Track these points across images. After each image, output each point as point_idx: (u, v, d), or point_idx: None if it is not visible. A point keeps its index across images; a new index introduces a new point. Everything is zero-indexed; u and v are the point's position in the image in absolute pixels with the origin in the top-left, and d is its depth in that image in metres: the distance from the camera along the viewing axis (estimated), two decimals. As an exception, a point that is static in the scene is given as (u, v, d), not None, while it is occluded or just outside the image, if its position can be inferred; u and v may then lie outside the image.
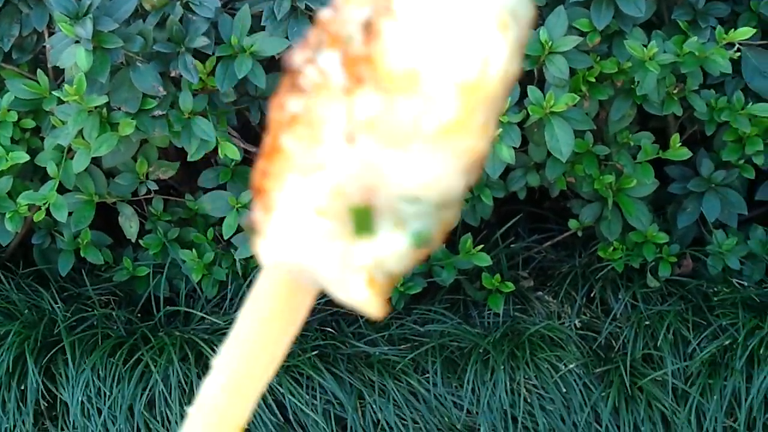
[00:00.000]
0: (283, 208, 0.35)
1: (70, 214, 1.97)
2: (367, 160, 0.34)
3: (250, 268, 2.15)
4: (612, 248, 2.11)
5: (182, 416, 1.93)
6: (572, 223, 2.16)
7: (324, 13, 0.35)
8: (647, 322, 2.02)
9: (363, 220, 0.35)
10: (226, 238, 2.00)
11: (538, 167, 2.11)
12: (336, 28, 0.34)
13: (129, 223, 2.09)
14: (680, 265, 2.12)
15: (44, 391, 1.97)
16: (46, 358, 1.98)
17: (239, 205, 2.00)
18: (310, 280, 0.36)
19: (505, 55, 0.33)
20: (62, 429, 1.96)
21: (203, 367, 1.97)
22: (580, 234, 2.18)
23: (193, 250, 2.10)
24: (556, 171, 2.04)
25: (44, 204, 1.93)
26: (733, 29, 1.80)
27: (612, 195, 2.05)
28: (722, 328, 1.96)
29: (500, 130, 1.83)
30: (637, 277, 2.12)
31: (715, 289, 2.04)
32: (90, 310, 2.09)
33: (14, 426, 1.95)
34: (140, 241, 2.15)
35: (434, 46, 0.33)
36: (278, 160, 0.34)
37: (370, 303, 0.36)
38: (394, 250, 0.35)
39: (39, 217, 1.94)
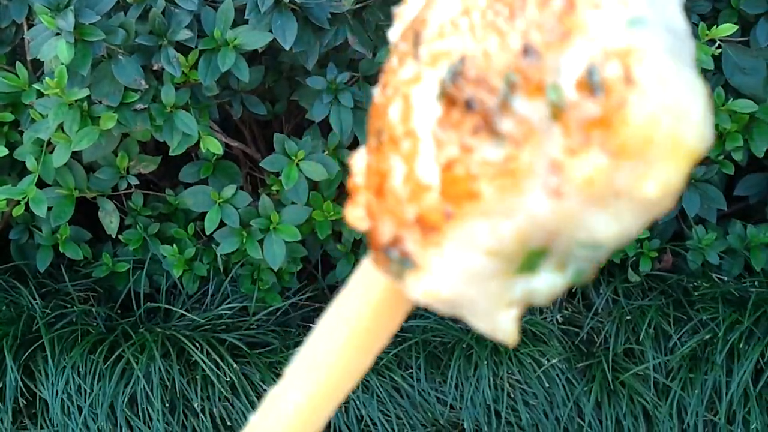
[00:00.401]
0: (453, 246, 0.34)
1: (49, 209, 1.94)
2: (566, 214, 0.34)
3: (231, 264, 2.14)
4: (593, 243, 2.13)
5: (164, 413, 1.92)
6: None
7: (524, 59, 0.34)
8: (628, 317, 2.04)
9: (533, 260, 0.34)
10: (208, 233, 1.99)
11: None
12: (539, 76, 0.33)
13: (109, 219, 2.07)
14: (661, 260, 2.14)
15: (23, 389, 1.95)
16: (25, 355, 1.96)
17: (221, 200, 1.99)
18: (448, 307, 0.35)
19: (709, 118, 0.34)
20: (42, 427, 1.94)
21: (185, 364, 1.96)
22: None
23: (174, 245, 2.09)
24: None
25: (23, 199, 1.91)
26: (714, 26, 1.82)
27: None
28: (702, 323, 1.98)
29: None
30: (618, 272, 2.14)
31: (695, 283, 2.06)
32: (69, 306, 2.07)
33: (-8, 424, 1.93)
34: (120, 237, 2.13)
35: (671, 113, 0.33)
36: (465, 203, 0.33)
37: (513, 334, 0.36)
38: (550, 287, 0.35)
39: (18, 211, 1.91)
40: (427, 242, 0.34)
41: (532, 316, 2.07)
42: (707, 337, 1.95)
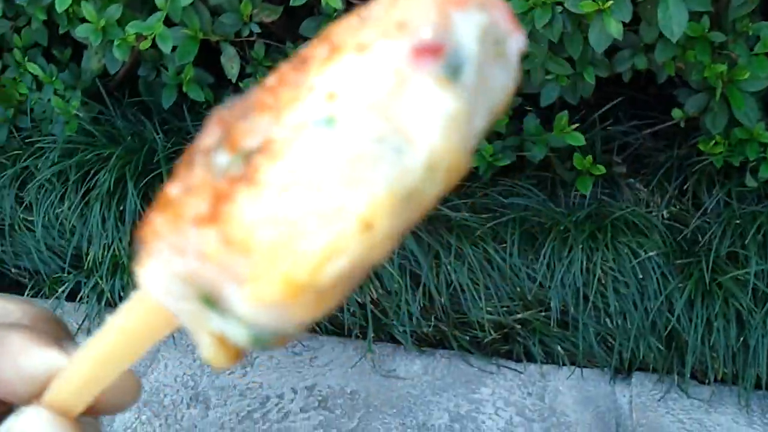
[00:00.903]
0: (156, 257, 0.35)
1: (174, 48, 2.03)
2: (199, 274, 0.34)
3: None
4: (713, 142, 2.05)
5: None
6: (675, 113, 2.10)
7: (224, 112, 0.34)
8: (738, 221, 1.98)
9: (209, 301, 0.34)
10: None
11: (647, 49, 2.04)
12: (237, 134, 0.34)
13: (230, 64, 2.15)
14: (784, 168, 2.05)
15: (141, 213, 2.10)
16: (144, 182, 2.10)
17: (339, 56, 2.02)
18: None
19: (354, 255, 0.31)
20: (154, 250, 2.10)
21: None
22: (682, 125, 2.12)
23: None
24: (666, 54, 1.97)
25: (150, 35, 2.00)
26: None
27: (721, 86, 1.97)
28: (817, 236, 1.90)
29: (611, 2, 1.77)
30: (735, 176, 2.07)
31: (817, 196, 1.97)
32: (188, 143, 2.19)
33: (112, 242, 2.10)
34: (240, 84, 2.21)
35: (279, 228, 0.31)
36: (152, 227, 0.34)
37: (214, 360, 0.36)
38: (236, 335, 0.35)
39: (145, 46, 2.01)
40: (146, 242, 0.35)
41: (636, 208, 2.05)
42: (819, 251, 1.88)
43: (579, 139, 2.08)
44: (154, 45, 2.00)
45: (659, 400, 1.95)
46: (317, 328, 2.15)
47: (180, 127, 2.27)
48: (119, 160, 2.10)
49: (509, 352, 2.08)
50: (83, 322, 2.15)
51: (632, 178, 2.16)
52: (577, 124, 2.09)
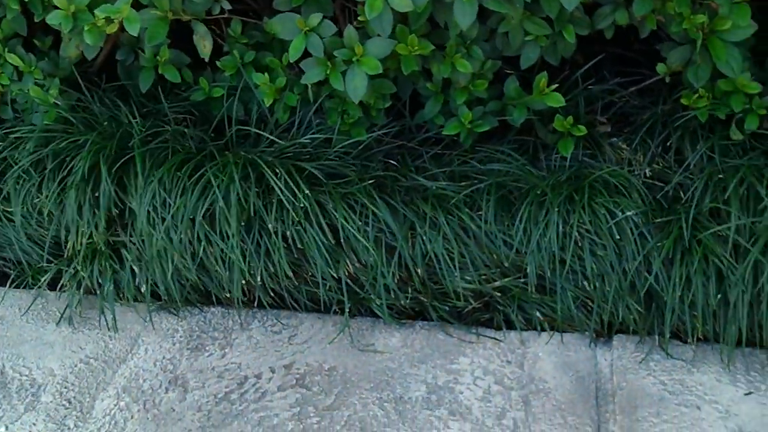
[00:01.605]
0: None
1: (150, 31, 2.08)
2: None
3: (321, 95, 2.22)
4: (697, 96, 2.04)
5: (240, 231, 2.08)
6: (660, 68, 2.08)
7: None
8: (720, 176, 1.96)
9: None
10: (292, 60, 2.07)
11: (628, 3, 2.03)
12: None
13: (202, 42, 2.20)
14: (771, 119, 2.02)
15: (116, 200, 2.16)
16: (120, 168, 2.16)
17: (307, 28, 2.05)
18: None
19: None
20: (130, 236, 2.16)
21: (264, 188, 2.10)
22: (667, 80, 2.10)
23: (266, 73, 2.19)
24: (645, 7, 1.96)
25: (118, 18, 2.05)
26: None
27: (702, 37, 1.95)
28: (801, 187, 1.87)
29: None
30: (720, 129, 2.05)
31: (804, 145, 1.94)
32: (165, 126, 2.24)
33: (88, 229, 2.17)
34: (218, 63, 2.26)
35: None
36: None
37: None
38: None
39: (112, 30, 2.07)
40: None
41: (614, 168, 2.04)
42: (803, 201, 1.85)
43: (558, 100, 2.08)
44: (123, 28, 2.05)
45: (640, 362, 1.94)
46: (296, 305, 2.19)
47: (158, 110, 2.32)
48: (94, 146, 2.17)
49: (490, 321, 2.10)
50: (65, 310, 2.22)
51: (615, 137, 2.15)
52: (556, 85, 2.09)
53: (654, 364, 1.94)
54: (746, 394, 1.86)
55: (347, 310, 2.11)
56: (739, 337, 1.89)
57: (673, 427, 1.81)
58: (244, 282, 2.14)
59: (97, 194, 2.16)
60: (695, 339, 1.94)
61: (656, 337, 1.97)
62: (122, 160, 2.16)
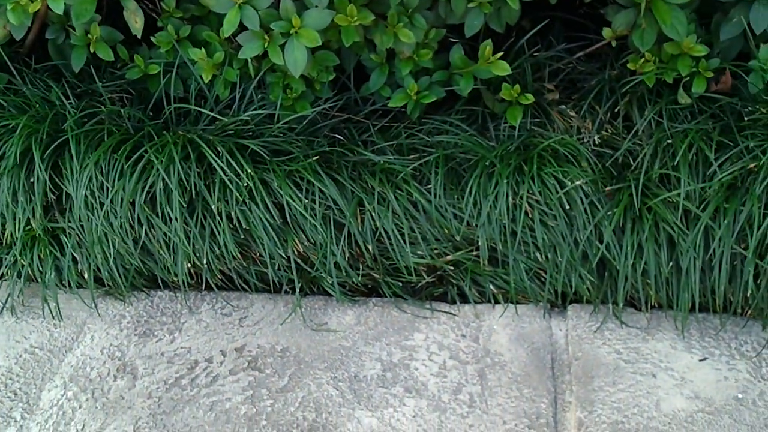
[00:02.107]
0: None
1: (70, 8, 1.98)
2: None
3: (261, 69, 2.15)
4: (644, 60, 2.01)
5: (182, 214, 2.01)
6: (605, 32, 2.05)
7: None
8: (669, 141, 1.94)
9: None
10: (226, 35, 1.99)
11: (571, -34, 1.99)
12: None
13: (133, 18, 2.10)
14: (717, 82, 2.00)
15: (52, 185, 2.08)
16: (54, 152, 2.07)
17: (241, 1, 1.97)
18: None
19: None
20: (69, 221, 2.08)
21: (206, 168, 2.03)
22: (613, 44, 2.07)
23: (203, 48, 2.11)
24: (588, -29, 1.92)
25: (42, -5, 1.95)
26: None
27: (646, 0, 1.92)
28: (749, 150, 1.86)
29: None
30: (667, 93, 2.02)
31: (750, 108, 1.92)
32: (100, 107, 2.15)
33: (25, 216, 2.08)
34: (152, 39, 2.17)
35: None
36: None
37: None
38: None
39: (35, 8, 1.97)
40: None
41: (563, 136, 2.01)
42: (751, 165, 1.84)
43: (504, 68, 2.04)
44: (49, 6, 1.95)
45: (595, 332, 1.93)
46: (246, 286, 2.14)
47: (92, 89, 2.23)
48: (25, 130, 2.07)
49: (443, 295, 2.07)
50: (7, 300, 2.14)
51: (564, 104, 2.12)
52: (502, 53, 2.04)
53: (609, 333, 1.94)
54: (701, 360, 1.86)
55: (298, 289, 2.07)
56: (692, 303, 1.88)
57: (629, 396, 1.81)
58: (189, 265, 2.08)
59: (31, 180, 2.07)
60: (649, 307, 1.93)
61: (610, 306, 1.96)
62: (56, 144, 2.07)
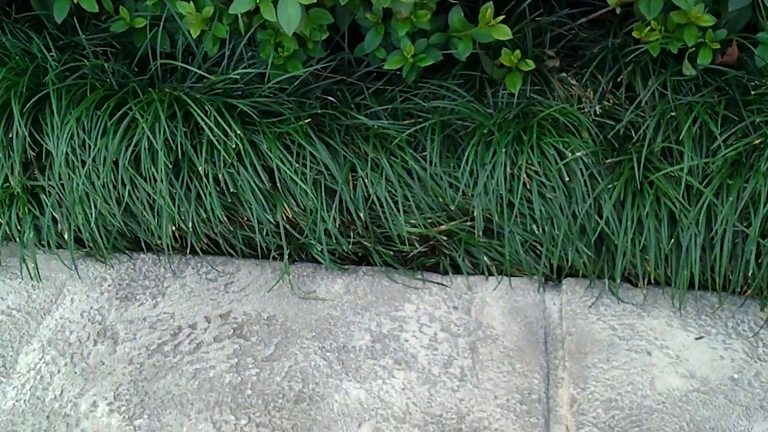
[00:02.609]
0: None
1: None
2: None
3: (252, 26, 2.06)
4: (649, 29, 1.94)
5: (167, 174, 1.94)
6: (610, -2, 1.98)
7: None
8: (673, 113, 1.89)
9: None
10: (217, -11, 1.91)
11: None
12: None
13: (119, -32, 2.01)
14: (724, 53, 1.94)
15: (32, 141, 1.99)
16: (34, 107, 1.98)
17: (234, -47, 1.88)
18: None
19: None
20: (49, 179, 2.00)
21: (192, 128, 1.95)
22: (618, 11, 2.00)
23: (191, 2, 2.02)
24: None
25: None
26: None
27: (655, -35, 1.85)
28: (755, 126, 1.81)
29: None
30: (672, 64, 1.96)
31: (757, 82, 1.87)
32: (83, 60, 2.07)
33: (3, 173, 2.00)
34: (141, -12, 2.08)
35: None
36: None
37: None
38: None
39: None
40: None
41: (564, 105, 1.95)
42: (756, 141, 1.79)
43: (505, 33, 1.97)
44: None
45: (590, 307, 1.89)
46: (232, 251, 2.07)
47: (75, 42, 2.14)
48: (4, 83, 1.98)
49: (436, 266, 2.02)
50: (-17, 258, 2.07)
51: (564, 72, 2.06)
52: (503, 17, 1.97)
53: (604, 308, 1.89)
54: (697, 339, 1.83)
55: (286, 255, 2.01)
56: (690, 280, 1.84)
57: (623, 373, 1.77)
58: (174, 228, 2.01)
59: (10, 135, 1.98)
60: (646, 283, 1.89)
61: (606, 281, 1.92)
62: (36, 98, 1.99)
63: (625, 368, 1.78)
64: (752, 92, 1.86)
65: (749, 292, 1.85)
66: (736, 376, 1.75)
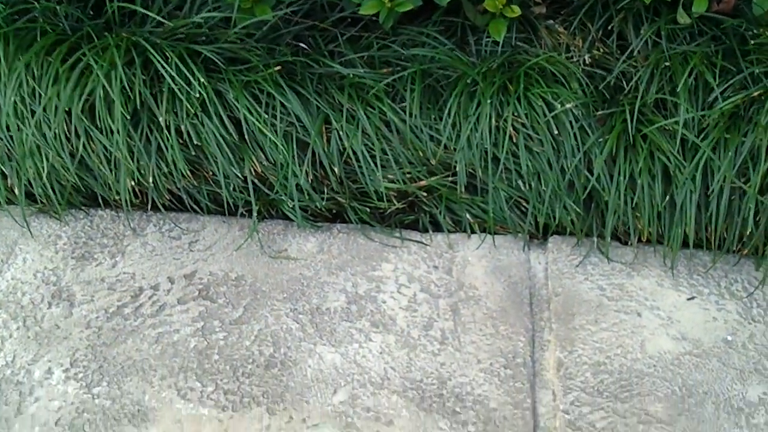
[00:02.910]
0: None
1: None
2: None
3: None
4: (641, -27, 1.84)
5: (125, 125, 1.80)
6: (600, -59, 1.86)
7: None
8: (667, 63, 1.78)
9: None
10: None
11: None
12: None
13: None
14: (720, 1, 1.84)
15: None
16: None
17: None
18: None
19: None
20: (-3, 128, 1.85)
21: (152, 75, 1.81)
22: (608, -46, 1.89)
23: (151, -61, 1.87)
24: None
25: None
26: None
27: None
28: (753, 78, 1.72)
29: None
30: (666, 12, 1.86)
31: (755, 31, 1.77)
32: (33, 2, 1.90)
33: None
34: None
35: None
36: None
37: None
38: None
39: None
40: None
41: (554, 54, 1.84)
42: (756, 93, 1.69)
43: (488, -24, 1.84)
44: None
45: (577, 266, 1.80)
46: (197, 208, 1.94)
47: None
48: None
49: (415, 223, 1.91)
50: (-75, 215, 1.91)
51: (552, 19, 1.94)
52: (486, -42, 1.85)
53: (592, 267, 1.81)
54: (689, 299, 1.75)
55: (255, 212, 1.89)
56: (684, 239, 1.75)
57: (612, 336, 1.69)
58: (133, 182, 1.87)
59: (-47, 81, 1.82)
60: (635, 241, 1.80)
61: (595, 239, 1.82)
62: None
63: (614, 330, 1.70)
64: (751, 42, 1.76)
65: (746, 251, 1.77)
66: (729, 338, 1.68)
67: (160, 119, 1.80)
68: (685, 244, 1.78)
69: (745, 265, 1.80)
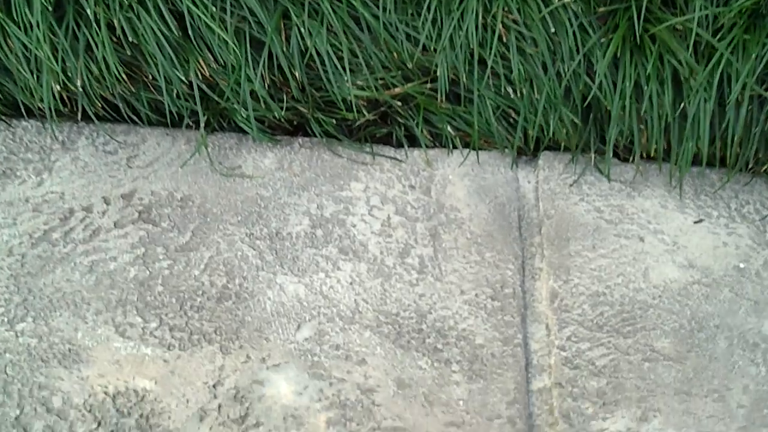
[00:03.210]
0: None
1: None
2: None
3: None
4: None
5: (46, 19, 1.52)
6: None
7: None
8: (677, -47, 1.57)
9: None
10: None
11: None
12: None
13: None
14: None
15: None
16: None
17: None
18: None
19: None
20: None
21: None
22: None
23: None
24: None
25: None
26: None
27: None
28: (776, -32, 1.52)
29: None
30: None
31: None
32: None
33: None
34: None
35: None
36: None
37: None
38: None
39: None
40: None
41: (547, -59, 1.60)
42: (778, -13, 1.50)
43: None
44: None
45: (571, 185, 1.61)
46: (136, 118, 1.69)
47: None
48: None
49: (387, 137, 1.69)
50: None
51: None
52: None
53: (588, 187, 1.61)
54: (696, 223, 1.57)
55: (203, 123, 1.64)
56: (695, 155, 1.57)
57: (611, 263, 1.51)
58: (59, 87, 1.61)
59: None
60: (638, 158, 1.61)
61: (592, 155, 1.62)
62: None
63: (614, 257, 1.52)
64: (773, -72, 1.55)
65: (762, 170, 1.59)
66: (742, 265, 1.51)
67: (89, 12, 1.54)
68: (693, 162, 1.59)
69: (757, 184, 1.63)
